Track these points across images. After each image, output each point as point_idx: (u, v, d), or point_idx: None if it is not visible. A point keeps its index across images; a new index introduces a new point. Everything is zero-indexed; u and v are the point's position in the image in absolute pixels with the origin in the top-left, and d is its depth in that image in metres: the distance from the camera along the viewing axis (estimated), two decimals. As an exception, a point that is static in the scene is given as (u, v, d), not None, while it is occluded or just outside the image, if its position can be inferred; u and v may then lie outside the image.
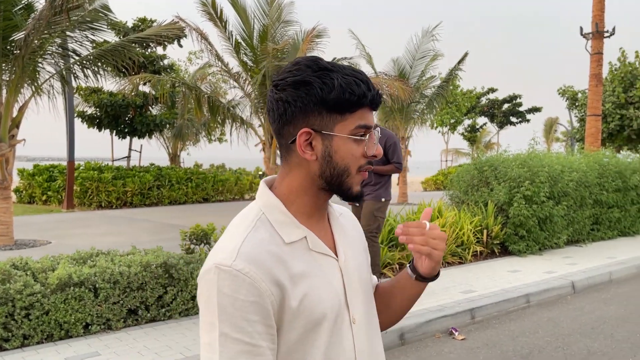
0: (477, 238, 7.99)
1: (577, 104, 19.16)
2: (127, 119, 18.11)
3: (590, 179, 9.28)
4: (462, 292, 5.87)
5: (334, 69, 1.00)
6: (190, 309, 4.93)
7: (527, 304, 5.87)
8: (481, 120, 41.65)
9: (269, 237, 0.99)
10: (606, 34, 12.58)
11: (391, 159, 5.48)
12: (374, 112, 1.07)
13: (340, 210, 1.22)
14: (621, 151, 13.16)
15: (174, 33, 12.67)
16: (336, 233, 1.11)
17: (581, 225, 9.24)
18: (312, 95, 0.98)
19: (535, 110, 40.87)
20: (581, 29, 12.81)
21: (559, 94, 19.82)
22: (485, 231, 8.00)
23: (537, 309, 5.77)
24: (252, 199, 20.16)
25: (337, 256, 1.07)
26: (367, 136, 1.02)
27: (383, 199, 5.49)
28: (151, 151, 25.50)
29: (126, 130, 18.37)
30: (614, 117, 17.34)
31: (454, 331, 4.95)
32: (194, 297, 4.94)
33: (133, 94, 15.20)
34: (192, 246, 5.65)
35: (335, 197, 1.10)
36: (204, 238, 5.67)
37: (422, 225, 1.06)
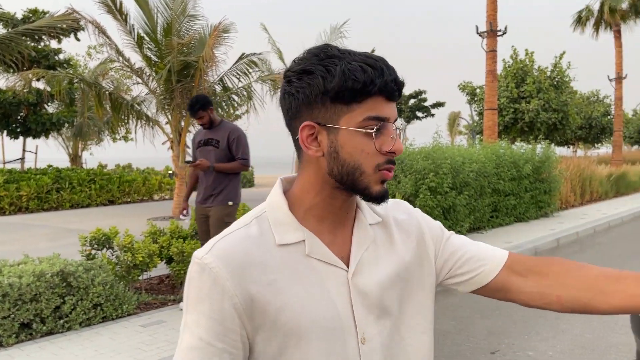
0: (387, 229, 8.22)
1: (476, 98, 20.37)
2: (19, 117, 16.79)
3: (488, 169, 9.87)
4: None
5: (342, 55, 0.89)
6: (92, 318, 4.65)
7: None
8: (389, 115, 42.97)
9: (258, 235, 0.92)
10: (499, 33, 13.43)
11: (236, 155, 4.84)
12: (394, 103, 0.94)
13: (384, 216, 1.04)
14: (515, 142, 14.13)
15: (69, 25, 11.90)
16: (355, 242, 0.97)
17: (482, 213, 9.81)
18: (314, 85, 0.89)
19: (439, 105, 42.88)
20: (477, 27, 13.58)
21: (460, 89, 20.95)
22: (393, 222, 8.25)
23: (440, 296, 6.04)
24: (162, 199, 19.51)
25: (348, 267, 0.94)
26: (380, 129, 0.89)
27: (231, 202, 4.84)
28: (49, 152, 23.86)
29: (19, 130, 17.03)
30: (508, 111, 18.60)
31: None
32: (95, 306, 4.67)
33: (25, 90, 14.09)
34: (93, 252, 5.33)
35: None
36: (105, 242, 5.37)
37: None
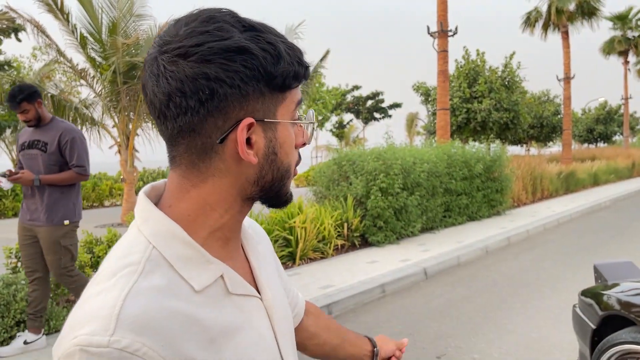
0: (339, 232, 8.10)
1: (430, 99, 20.56)
2: (-44, 122, 15.91)
3: (440, 169, 9.89)
4: (320, 288, 5.86)
5: (263, 29, 0.70)
6: (14, 337, 4.32)
7: (382, 293, 6.03)
8: (348, 116, 43.21)
9: (167, 285, 0.65)
10: (450, 33, 13.55)
11: (70, 161, 3.90)
12: None
13: (247, 221, 0.92)
14: (468, 142, 14.29)
15: (7, 25, 11.30)
16: (253, 258, 0.82)
17: (434, 213, 9.81)
18: (254, 68, 0.67)
19: (396, 106, 43.36)
20: (428, 27, 13.66)
21: (414, 89, 21.12)
22: (345, 224, 8.14)
23: (392, 298, 5.94)
24: (113, 205, 18.84)
25: (259, 293, 0.79)
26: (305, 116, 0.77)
27: (67, 221, 3.91)
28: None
29: (-44, 136, 16.13)
30: (461, 111, 18.85)
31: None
32: (18, 323, 4.33)
33: (-39, 93, 13.30)
34: (19, 264, 4.97)
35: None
36: (33, 254, 5.02)
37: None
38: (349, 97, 41.28)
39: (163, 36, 0.68)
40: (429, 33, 13.60)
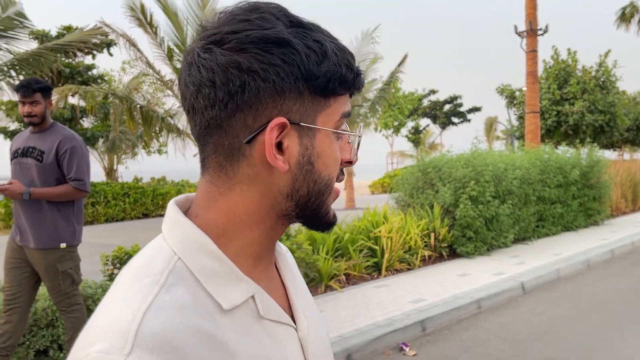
0: (425, 242, 7.76)
1: (515, 102, 19.59)
2: (56, 133, 17.02)
3: (532, 175, 9.29)
4: (411, 302, 5.58)
5: (314, 28, 0.63)
6: None
7: (478, 309, 5.64)
8: (424, 121, 42.37)
9: (192, 301, 0.58)
10: (540, 32, 12.80)
11: (67, 174, 3.30)
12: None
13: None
14: (559, 147, 13.41)
15: (101, 40, 11.92)
16: (289, 281, 0.74)
17: (527, 223, 9.22)
18: (294, 64, 0.59)
19: (475, 110, 41.96)
20: (515, 27, 12.98)
21: (498, 92, 20.21)
22: (432, 234, 7.79)
23: (488, 314, 5.55)
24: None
25: (294, 322, 0.70)
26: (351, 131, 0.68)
27: (63, 244, 3.32)
28: (86, 166, 24.18)
29: (55, 146, 17.27)
30: (550, 114, 17.77)
31: (404, 347, 4.63)
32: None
33: (60, 106, 14.24)
34: (115, 271, 5.09)
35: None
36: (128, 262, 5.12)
37: None
38: (425, 102, 40.45)
39: (205, 25, 0.63)
40: (516, 33, 12.92)
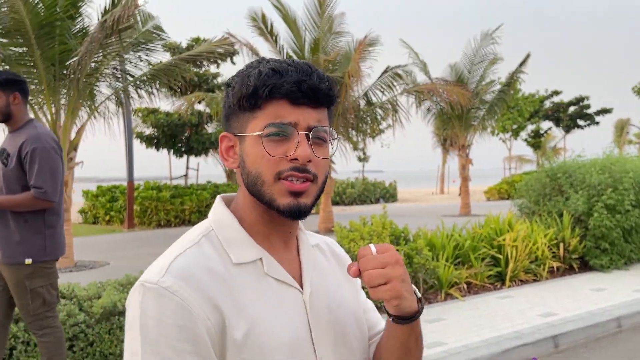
0: (553, 252, 7.26)
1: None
2: (183, 137, 18.35)
3: (679, 183, 8.32)
4: (540, 316, 5.24)
5: (258, 64, 0.88)
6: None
7: (618, 328, 5.16)
8: (545, 124, 39.79)
9: (213, 254, 0.86)
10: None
11: (29, 180, 2.92)
12: (320, 110, 0.89)
13: (318, 239, 1.05)
14: None
15: (226, 50, 12.65)
16: (305, 263, 0.94)
17: (671, 236, 8.27)
18: (229, 96, 0.89)
19: (604, 111, 38.61)
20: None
21: (635, 92, 18.41)
22: (561, 244, 7.26)
23: (631, 334, 5.05)
24: (318, 213, 19.90)
25: (302, 288, 0.91)
26: (280, 135, 0.84)
27: (29, 260, 2.91)
28: (208, 169, 25.81)
29: (183, 149, 18.60)
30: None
31: (535, 362, 4.35)
32: None
33: (189, 113, 15.33)
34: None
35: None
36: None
37: (368, 251, 0.84)
38: (547, 104, 37.96)
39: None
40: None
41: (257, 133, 0.85)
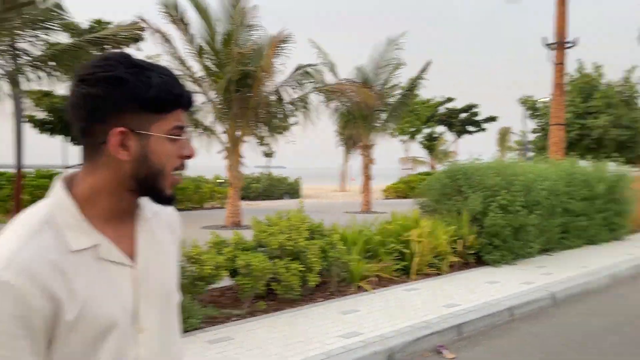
0: (453, 248, 7.82)
1: (537, 113, 19.55)
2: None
3: (559, 187, 9.31)
4: (445, 306, 5.64)
5: (149, 67, 0.96)
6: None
7: (511, 317, 5.70)
8: (439, 129, 42.28)
9: (53, 243, 0.92)
10: (568, 45, 12.81)
11: None
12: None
13: (156, 209, 1.13)
14: (583, 160, 13.37)
15: (133, 35, 12.10)
16: (140, 238, 1.05)
17: (552, 234, 9.23)
18: (126, 92, 0.93)
19: (491, 119, 41.84)
20: (545, 39, 13.00)
21: (521, 103, 20.19)
22: (460, 241, 7.84)
23: (521, 323, 5.60)
24: (212, 208, 19.59)
25: (135, 262, 1.02)
26: (183, 136, 1.00)
27: None
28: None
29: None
30: (573, 127, 17.74)
31: (442, 349, 4.70)
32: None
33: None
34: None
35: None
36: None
37: None
38: (441, 109, 40.43)
39: (80, 67, 0.97)
40: (545, 45, 12.94)
41: (165, 135, 0.97)
